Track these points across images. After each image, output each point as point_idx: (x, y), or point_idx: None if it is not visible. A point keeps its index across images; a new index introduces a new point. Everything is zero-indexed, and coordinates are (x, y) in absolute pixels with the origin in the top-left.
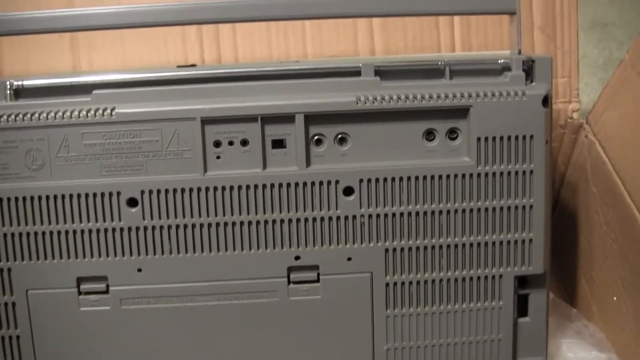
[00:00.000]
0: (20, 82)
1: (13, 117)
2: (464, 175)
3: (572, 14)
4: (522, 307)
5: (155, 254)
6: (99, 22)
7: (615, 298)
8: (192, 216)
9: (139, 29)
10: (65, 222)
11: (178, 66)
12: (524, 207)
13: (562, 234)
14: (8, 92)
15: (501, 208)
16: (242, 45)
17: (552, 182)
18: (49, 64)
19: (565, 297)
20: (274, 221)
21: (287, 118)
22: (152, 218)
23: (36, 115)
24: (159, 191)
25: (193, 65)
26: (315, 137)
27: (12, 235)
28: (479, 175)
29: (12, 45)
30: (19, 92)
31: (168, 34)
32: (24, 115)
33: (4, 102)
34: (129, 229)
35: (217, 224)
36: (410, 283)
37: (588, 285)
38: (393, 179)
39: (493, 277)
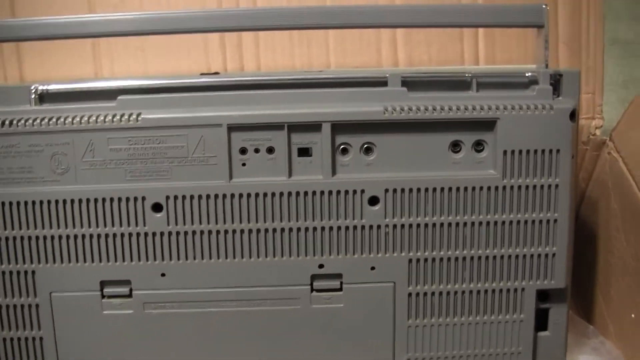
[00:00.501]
0: (45, 87)
1: (38, 121)
2: (489, 188)
3: (598, 30)
4: (540, 321)
5: (179, 259)
6: (120, 28)
7: (633, 315)
8: (216, 222)
9: (161, 37)
10: (89, 226)
11: (201, 74)
12: (548, 221)
13: (581, 250)
14: (33, 96)
15: (525, 221)
16: (264, 55)
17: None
18: (70, 71)
19: (582, 314)
20: (298, 229)
21: (313, 126)
22: (176, 223)
23: (62, 119)
24: (184, 197)
25: (216, 73)
26: (341, 147)
27: (37, 238)
28: (504, 188)
29: (34, 52)
30: (44, 97)
31: (190, 42)
32: (50, 119)
33: (28, 106)
34: (154, 234)
35: (242, 231)
36: (433, 294)
37: (605, 303)
38: (418, 190)
39: (515, 290)
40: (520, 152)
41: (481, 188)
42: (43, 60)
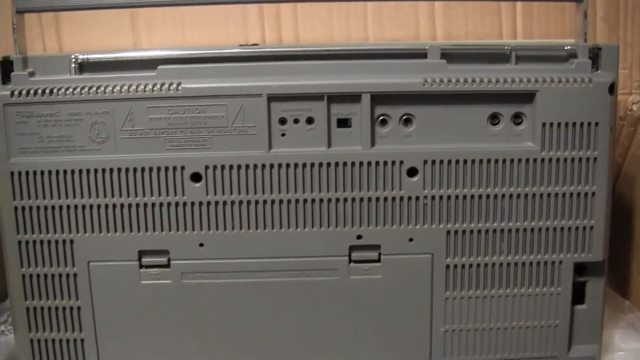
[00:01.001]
0: (85, 56)
1: (79, 90)
2: (527, 160)
3: (637, 5)
4: (577, 295)
5: (217, 229)
6: None
7: None
8: (255, 192)
9: (200, 8)
10: (128, 195)
11: (240, 45)
12: (586, 194)
13: (617, 225)
14: (73, 65)
15: (563, 194)
16: (303, 27)
17: None
18: (108, 42)
19: (618, 289)
20: (337, 200)
21: (353, 97)
22: (215, 193)
23: (102, 88)
24: (223, 167)
25: (255, 45)
26: (381, 118)
27: (75, 207)
28: (542, 160)
29: (73, 23)
30: (84, 67)
31: (229, 13)
32: (89, 88)
33: (68, 75)
34: (192, 204)
35: (280, 201)
36: (471, 266)
37: None
38: (457, 162)
39: (553, 262)
40: (559, 124)
41: (519, 160)
42: (81, 31)
